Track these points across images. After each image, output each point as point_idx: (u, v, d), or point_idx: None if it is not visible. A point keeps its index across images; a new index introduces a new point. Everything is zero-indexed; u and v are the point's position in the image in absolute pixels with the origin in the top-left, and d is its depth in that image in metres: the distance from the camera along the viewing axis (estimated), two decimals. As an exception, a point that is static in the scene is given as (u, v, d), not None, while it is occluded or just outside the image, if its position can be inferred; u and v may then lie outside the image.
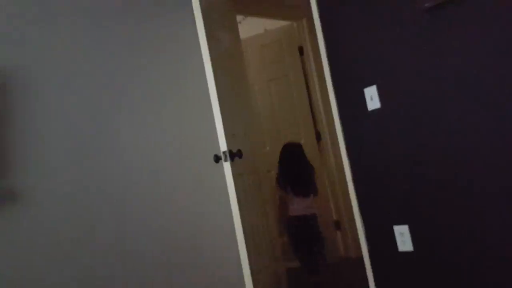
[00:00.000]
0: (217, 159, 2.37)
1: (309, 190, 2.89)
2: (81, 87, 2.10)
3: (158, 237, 2.19)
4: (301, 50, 3.73)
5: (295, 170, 2.94)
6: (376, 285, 2.13)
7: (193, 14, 2.43)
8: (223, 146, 2.35)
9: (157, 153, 2.32)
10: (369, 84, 2.12)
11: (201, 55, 2.39)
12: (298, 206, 2.85)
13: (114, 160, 2.14)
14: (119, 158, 2.16)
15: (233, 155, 2.36)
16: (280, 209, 2.94)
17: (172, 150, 2.40)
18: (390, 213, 2.08)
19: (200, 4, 2.40)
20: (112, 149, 2.14)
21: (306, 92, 3.74)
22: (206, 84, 2.41)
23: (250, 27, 3.89)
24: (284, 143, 3.13)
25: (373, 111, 2.12)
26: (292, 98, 3.79)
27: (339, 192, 3.61)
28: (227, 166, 2.34)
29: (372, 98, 2.11)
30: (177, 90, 2.48)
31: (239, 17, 3.73)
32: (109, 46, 2.23)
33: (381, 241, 2.12)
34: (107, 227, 2.02)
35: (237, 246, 2.35)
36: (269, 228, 2.80)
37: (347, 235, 3.60)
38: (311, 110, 3.75)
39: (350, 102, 2.21)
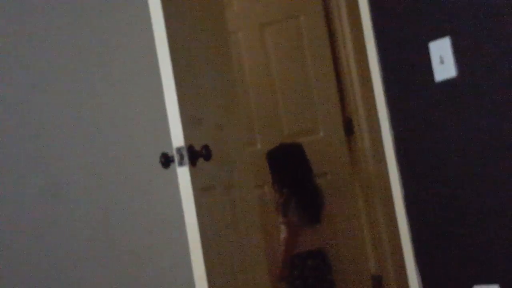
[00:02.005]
0: (166, 161, 2.40)
1: (321, 214, 3.38)
2: None
3: None
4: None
5: (306, 184, 3.39)
6: None
7: None
8: (177, 139, 2.37)
9: (58, 152, 2.47)
10: (439, 34, 2.12)
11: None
12: (311, 238, 3.32)
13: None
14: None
15: (195, 154, 2.39)
16: (289, 246, 3.39)
17: (87, 146, 2.54)
18: (469, 264, 2.10)
19: None
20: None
21: (330, 48, 3.76)
22: (150, 28, 2.43)
23: None
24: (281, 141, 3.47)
25: (444, 82, 2.12)
26: (304, 58, 3.81)
27: (382, 226, 3.67)
28: (183, 173, 2.36)
29: (442, 59, 2.12)
30: (94, 33, 2.60)
31: None
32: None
33: (453, 313, 2.15)
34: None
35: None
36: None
37: (394, 300, 3.66)
38: (337, 80, 3.78)
39: (405, 67, 2.23)
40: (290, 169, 3.48)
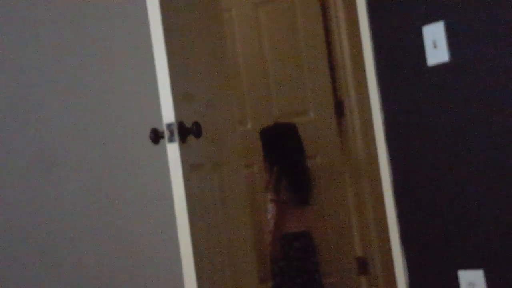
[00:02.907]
0: (156, 137, 2.41)
1: (310, 195, 3.41)
2: None
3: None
4: None
5: (299, 164, 3.42)
6: None
7: None
8: (167, 115, 2.38)
9: (50, 126, 2.48)
10: (433, 19, 2.12)
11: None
12: (298, 219, 3.37)
13: None
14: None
15: (186, 131, 2.39)
16: (278, 225, 3.43)
17: (78, 119, 2.54)
18: (454, 249, 2.12)
19: None
20: None
21: (323, 29, 3.76)
22: (143, 5, 2.44)
23: None
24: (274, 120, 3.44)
25: (436, 67, 2.13)
26: (296, 39, 3.81)
27: (369, 209, 3.69)
28: (173, 149, 2.37)
29: (436, 44, 2.12)
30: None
31: None
32: None
33: (437, 296, 2.16)
34: None
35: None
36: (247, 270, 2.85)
37: (379, 283, 3.65)
38: (329, 62, 3.78)
39: (398, 51, 2.22)
40: (282, 148, 3.47)
